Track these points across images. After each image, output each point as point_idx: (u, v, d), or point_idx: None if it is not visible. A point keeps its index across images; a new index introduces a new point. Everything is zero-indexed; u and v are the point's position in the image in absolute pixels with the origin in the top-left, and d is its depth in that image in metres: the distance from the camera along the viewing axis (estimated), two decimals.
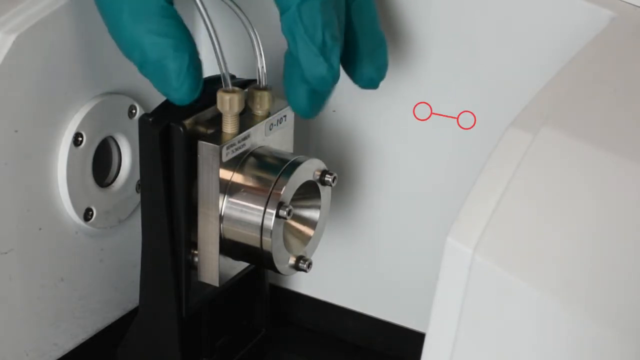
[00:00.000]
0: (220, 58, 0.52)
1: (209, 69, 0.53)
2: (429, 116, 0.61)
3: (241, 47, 0.61)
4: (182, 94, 0.50)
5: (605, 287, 0.41)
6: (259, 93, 0.55)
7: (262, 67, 0.55)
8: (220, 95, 0.53)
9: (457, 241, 0.42)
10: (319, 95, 0.52)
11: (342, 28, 0.53)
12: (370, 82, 0.55)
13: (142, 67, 0.51)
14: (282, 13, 0.50)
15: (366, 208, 0.66)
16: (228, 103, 0.53)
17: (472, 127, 0.60)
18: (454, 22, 0.59)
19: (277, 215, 0.54)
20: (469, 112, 0.60)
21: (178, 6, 0.51)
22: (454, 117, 0.60)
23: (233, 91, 0.53)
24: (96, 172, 0.59)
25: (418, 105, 0.61)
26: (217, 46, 0.52)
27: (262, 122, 0.56)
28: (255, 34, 0.55)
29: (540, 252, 0.42)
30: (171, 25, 0.50)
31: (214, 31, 0.52)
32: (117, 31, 0.50)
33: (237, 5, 0.54)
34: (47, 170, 0.56)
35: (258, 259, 0.55)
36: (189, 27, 0.51)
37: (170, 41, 0.50)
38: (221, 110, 0.53)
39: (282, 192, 0.54)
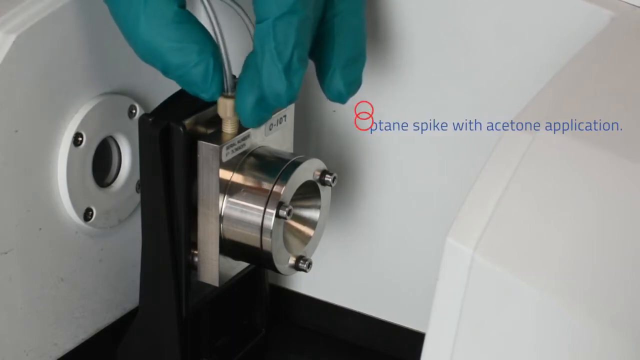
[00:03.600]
0: (225, 61, 0.52)
1: None
2: (428, 116, 0.61)
3: (241, 47, 0.61)
4: (211, 94, 0.51)
5: (605, 287, 0.41)
6: None
7: None
8: (220, 100, 0.53)
9: (457, 241, 0.42)
10: (266, 107, 0.52)
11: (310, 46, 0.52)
12: (338, 96, 0.54)
13: (166, 73, 0.51)
14: (257, 21, 0.50)
15: (366, 208, 0.66)
16: (223, 109, 0.53)
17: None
18: (453, 22, 0.59)
19: (277, 215, 0.54)
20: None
21: None
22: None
23: (233, 97, 0.53)
24: (96, 172, 0.59)
25: (416, 105, 0.61)
26: (222, 49, 0.52)
27: None
28: None
29: (540, 252, 0.42)
30: (190, 29, 0.50)
31: (221, 34, 0.52)
32: (135, 40, 0.50)
33: (238, 5, 0.54)
34: (47, 170, 0.56)
35: (258, 259, 0.55)
36: None
37: (192, 46, 0.50)
38: (221, 116, 0.53)
39: (282, 192, 0.54)
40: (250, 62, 0.52)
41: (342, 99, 0.55)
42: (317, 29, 0.53)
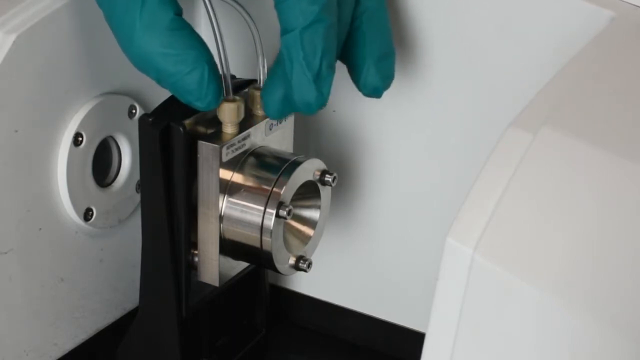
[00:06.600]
0: (223, 62, 0.52)
1: None
2: (428, 115, 0.61)
3: (241, 47, 0.61)
4: (207, 103, 0.51)
5: (605, 287, 0.41)
6: (259, 93, 0.55)
7: (263, 66, 0.55)
8: (223, 104, 0.53)
9: (457, 241, 0.42)
10: (291, 105, 0.52)
11: (339, 50, 0.53)
12: (374, 90, 0.55)
13: (160, 80, 0.51)
14: (284, 33, 0.50)
15: (366, 208, 0.66)
16: (226, 113, 0.53)
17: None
18: (454, 22, 0.59)
19: (277, 215, 0.54)
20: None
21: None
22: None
23: (234, 100, 0.53)
24: (96, 172, 0.59)
25: (416, 105, 0.61)
26: (221, 50, 0.52)
27: (262, 122, 0.56)
28: (257, 33, 0.54)
29: (540, 252, 0.42)
30: (185, 37, 0.50)
31: (220, 35, 0.52)
32: (130, 48, 0.50)
33: (239, 4, 0.54)
34: (47, 170, 0.56)
35: (258, 259, 0.55)
36: None
37: (187, 53, 0.50)
38: (221, 119, 0.53)
39: (282, 192, 0.54)
40: (281, 59, 0.52)
41: (378, 93, 0.56)
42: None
